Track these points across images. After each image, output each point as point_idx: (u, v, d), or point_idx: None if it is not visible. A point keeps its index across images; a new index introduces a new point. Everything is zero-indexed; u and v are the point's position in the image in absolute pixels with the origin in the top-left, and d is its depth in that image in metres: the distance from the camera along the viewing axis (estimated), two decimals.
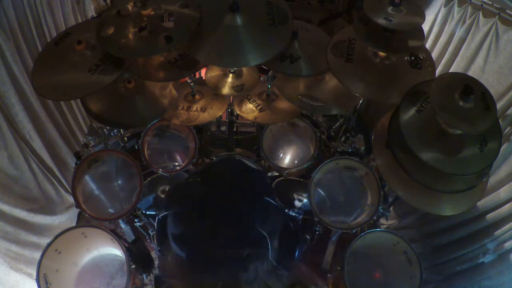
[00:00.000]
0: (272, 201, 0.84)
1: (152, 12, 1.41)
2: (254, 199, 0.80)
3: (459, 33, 1.81)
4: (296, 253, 0.95)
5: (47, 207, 2.15)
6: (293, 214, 1.90)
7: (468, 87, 1.18)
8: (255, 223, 0.76)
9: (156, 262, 2.03)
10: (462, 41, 1.81)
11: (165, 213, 0.77)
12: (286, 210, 1.88)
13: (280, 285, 0.77)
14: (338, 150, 2.06)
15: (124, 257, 1.65)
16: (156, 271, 0.73)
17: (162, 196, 2.14)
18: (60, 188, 2.27)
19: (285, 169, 2.02)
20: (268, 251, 0.76)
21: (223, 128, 2.34)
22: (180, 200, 0.78)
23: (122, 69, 1.45)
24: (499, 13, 1.58)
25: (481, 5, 1.64)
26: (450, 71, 1.91)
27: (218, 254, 0.73)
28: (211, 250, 0.72)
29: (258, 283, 0.74)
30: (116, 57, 1.43)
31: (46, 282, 1.57)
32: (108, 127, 1.94)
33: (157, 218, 0.75)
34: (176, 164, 2.12)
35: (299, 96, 1.82)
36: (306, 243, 1.95)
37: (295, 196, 1.93)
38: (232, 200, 0.75)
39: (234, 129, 2.21)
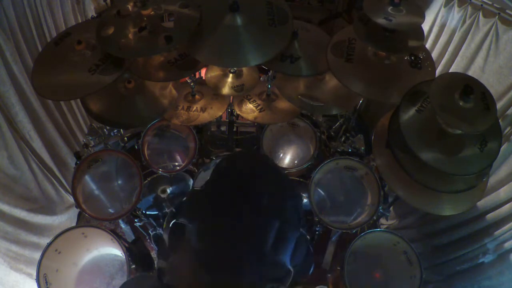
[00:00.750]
0: (304, 232, 0.73)
1: (152, 12, 1.41)
2: (292, 229, 0.69)
3: (459, 33, 1.81)
4: (311, 270, 0.85)
5: (47, 207, 2.15)
6: None
7: (468, 87, 1.18)
8: (286, 259, 0.66)
9: (156, 262, 2.03)
10: (462, 41, 1.81)
11: (185, 221, 0.66)
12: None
13: None
14: (338, 150, 2.06)
15: (124, 257, 1.65)
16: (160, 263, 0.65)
17: (162, 196, 2.15)
18: (60, 188, 2.27)
19: (285, 169, 2.02)
20: (289, 282, 0.68)
21: (223, 128, 2.34)
22: (206, 213, 0.64)
23: (122, 69, 1.45)
24: (499, 13, 1.58)
25: (481, 5, 1.64)
26: (450, 71, 1.91)
27: (241, 285, 0.65)
28: (235, 277, 0.63)
29: None
30: (116, 57, 1.43)
31: (46, 282, 1.57)
32: (108, 127, 1.94)
33: (173, 222, 0.64)
34: (176, 164, 2.12)
35: (299, 96, 1.82)
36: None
37: None
38: (265, 228, 0.63)
39: (234, 129, 2.21)
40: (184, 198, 0.73)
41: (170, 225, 0.69)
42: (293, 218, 0.66)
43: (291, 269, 0.65)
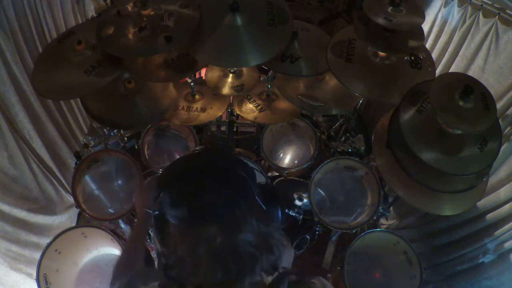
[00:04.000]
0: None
1: (152, 12, 1.41)
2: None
3: (459, 33, 1.81)
4: (280, 217, 0.93)
5: (47, 207, 2.15)
6: (293, 214, 1.90)
7: (468, 87, 1.18)
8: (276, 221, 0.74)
9: (156, 262, 2.03)
10: (462, 41, 1.81)
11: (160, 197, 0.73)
12: (286, 210, 1.88)
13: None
14: (338, 150, 2.06)
15: None
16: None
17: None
18: (60, 188, 2.27)
19: (285, 169, 2.02)
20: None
21: (223, 128, 2.34)
22: (174, 180, 0.74)
23: (116, 73, 1.45)
24: (499, 13, 1.58)
25: (481, 5, 1.64)
26: (450, 71, 1.91)
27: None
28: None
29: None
30: (112, 60, 1.43)
31: (46, 282, 1.57)
32: (108, 127, 1.94)
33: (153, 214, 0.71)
34: None
35: (299, 96, 1.82)
36: (306, 243, 1.95)
37: (295, 195, 1.93)
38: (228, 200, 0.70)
39: (234, 129, 2.21)
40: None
41: (153, 222, 0.75)
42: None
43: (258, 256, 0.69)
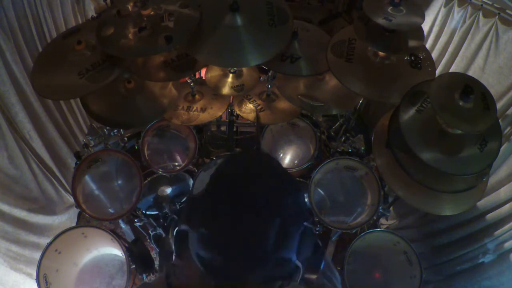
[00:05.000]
0: (310, 226, 0.72)
1: (152, 12, 1.41)
2: (294, 225, 0.70)
3: (459, 33, 1.81)
4: (322, 265, 0.85)
5: (47, 207, 2.15)
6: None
7: (468, 87, 1.18)
8: (292, 255, 0.65)
9: (156, 262, 2.03)
10: (462, 41, 1.81)
11: (187, 229, 0.68)
12: None
13: None
14: (338, 150, 2.06)
15: (124, 257, 1.65)
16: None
17: (162, 196, 2.15)
18: (60, 188, 2.27)
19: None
20: (299, 277, 0.69)
21: (223, 128, 2.34)
22: (205, 219, 0.66)
23: (110, 78, 1.43)
24: (499, 13, 1.58)
25: (481, 5, 1.64)
26: (450, 71, 1.91)
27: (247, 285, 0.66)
28: (243, 280, 0.65)
29: None
30: (108, 64, 1.43)
31: (46, 282, 1.57)
32: (108, 127, 1.94)
33: (176, 229, 0.65)
34: (176, 164, 2.12)
35: (299, 96, 1.82)
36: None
37: None
38: (266, 225, 0.62)
39: (234, 129, 2.21)
40: (184, 205, 0.74)
41: (174, 233, 0.70)
42: (294, 214, 0.66)
43: (299, 264, 0.66)
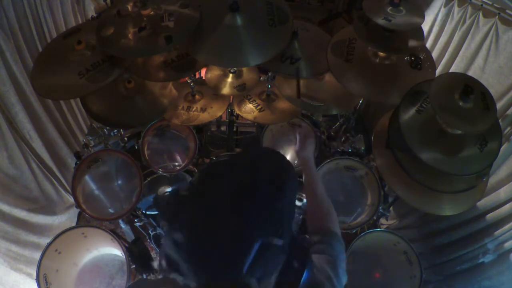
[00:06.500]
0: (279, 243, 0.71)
1: (152, 12, 1.41)
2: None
3: (459, 33, 1.81)
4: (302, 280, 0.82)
5: (47, 207, 2.15)
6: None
7: (468, 87, 1.18)
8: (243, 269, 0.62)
9: (157, 262, 2.03)
10: (462, 41, 1.81)
11: (166, 227, 0.68)
12: None
13: None
14: (338, 150, 2.06)
15: (124, 257, 1.65)
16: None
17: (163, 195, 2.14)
18: (60, 188, 2.27)
19: None
20: None
21: (223, 128, 2.34)
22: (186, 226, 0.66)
23: (108, 79, 1.43)
24: (499, 13, 1.58)
25: (481, 5, 1.64)
26: (450, 71, 1.91)
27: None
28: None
29: None
30: (107, 65, 1.43)
31: (46, 282, 1.57)
32: (108, 127, 1.94)
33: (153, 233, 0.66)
34: (176, 164, 2.12)
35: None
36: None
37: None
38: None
39: (234, 129, 2.21)
40: (169, 200, 0.74)
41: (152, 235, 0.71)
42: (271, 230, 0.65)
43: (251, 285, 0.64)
